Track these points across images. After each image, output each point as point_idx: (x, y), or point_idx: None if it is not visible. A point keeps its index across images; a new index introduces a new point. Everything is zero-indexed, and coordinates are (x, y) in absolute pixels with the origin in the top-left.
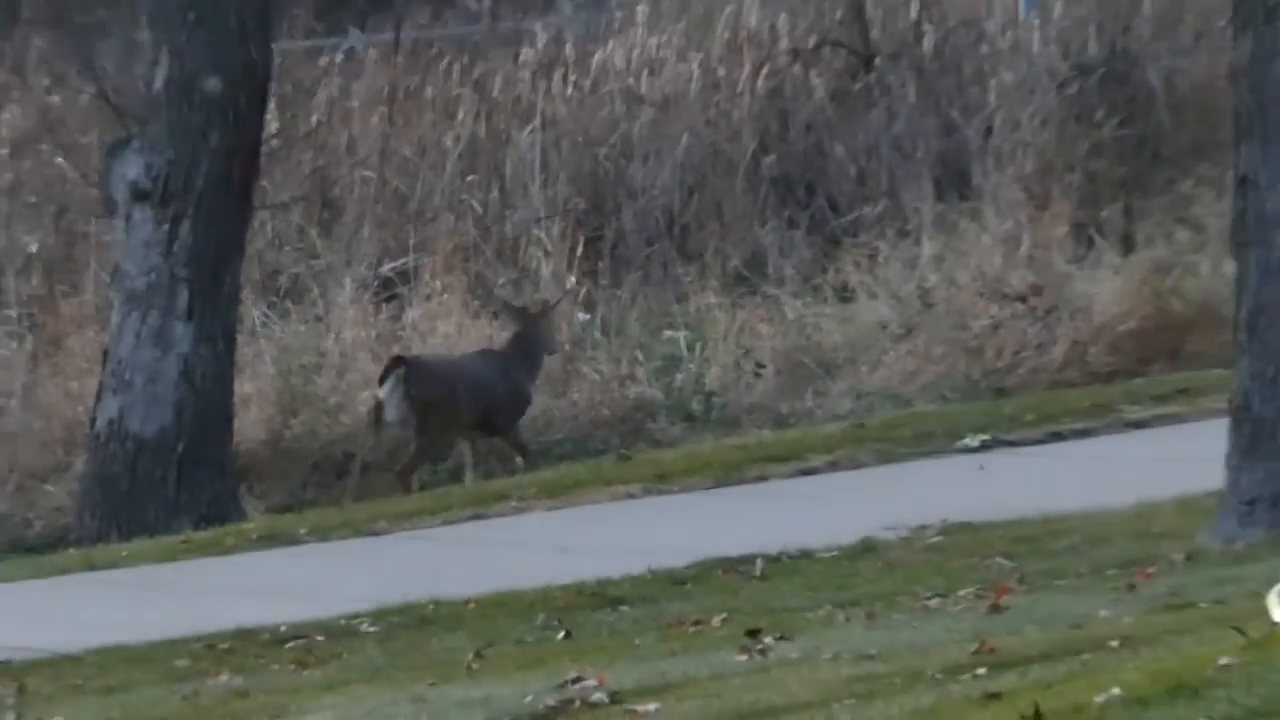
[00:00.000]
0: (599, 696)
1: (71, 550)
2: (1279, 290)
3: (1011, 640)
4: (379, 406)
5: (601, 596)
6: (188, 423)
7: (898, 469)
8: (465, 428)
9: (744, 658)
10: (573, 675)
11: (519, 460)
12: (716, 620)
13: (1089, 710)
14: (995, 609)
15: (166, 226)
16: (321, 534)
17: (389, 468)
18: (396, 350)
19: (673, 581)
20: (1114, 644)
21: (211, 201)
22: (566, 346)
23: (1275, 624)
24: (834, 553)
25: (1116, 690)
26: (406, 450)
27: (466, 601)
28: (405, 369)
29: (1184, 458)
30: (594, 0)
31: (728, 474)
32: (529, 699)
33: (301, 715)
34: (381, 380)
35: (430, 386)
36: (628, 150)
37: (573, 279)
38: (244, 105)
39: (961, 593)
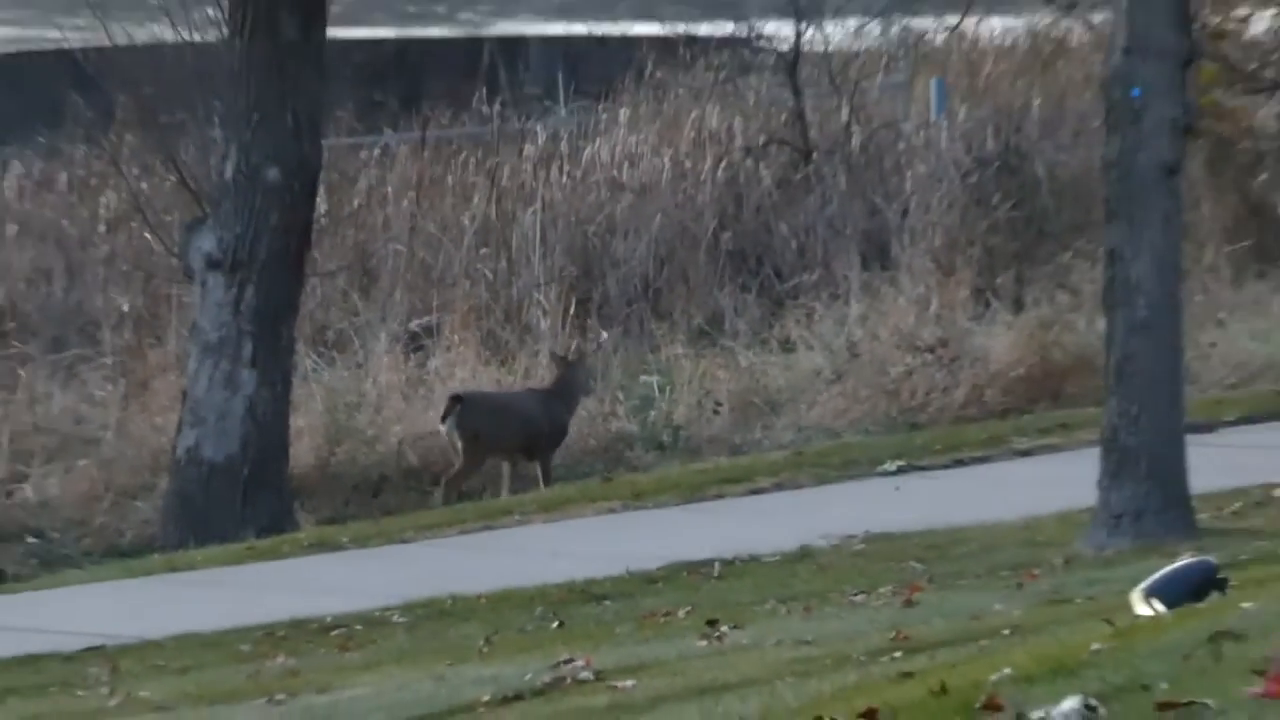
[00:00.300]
0: (586, 674)
1: (155, 555)
2: (1141, 344)
3: (922, 629)
4: (451, 439)
5: (588, 593)
6: (251, 451)
7: (830, 489)
8: (510, 452)
9: (704, 643)
10: (565, 657)
11: (541, 483)
12: (682, 613)
13: (985, 686)
14: (909, 604)
15: (234, 290)
16: (360, 542)
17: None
18: (452, 390)
19: (646, 581)
20: (1006, 632)
21: (271, 270)
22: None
23: (1137, 616)
24: (777, 558)
25: (1008, 670)
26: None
27: (478, 597)
28: (461, 405)
29: (1063, 480)
30: (584, 105)
31: (691, 493)
32: (529, 676)
33: (343, 690)
34: (444, 418)
35: (480, 419)
36: (611, 228)
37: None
38: (298, 191)
39: (881, 590)
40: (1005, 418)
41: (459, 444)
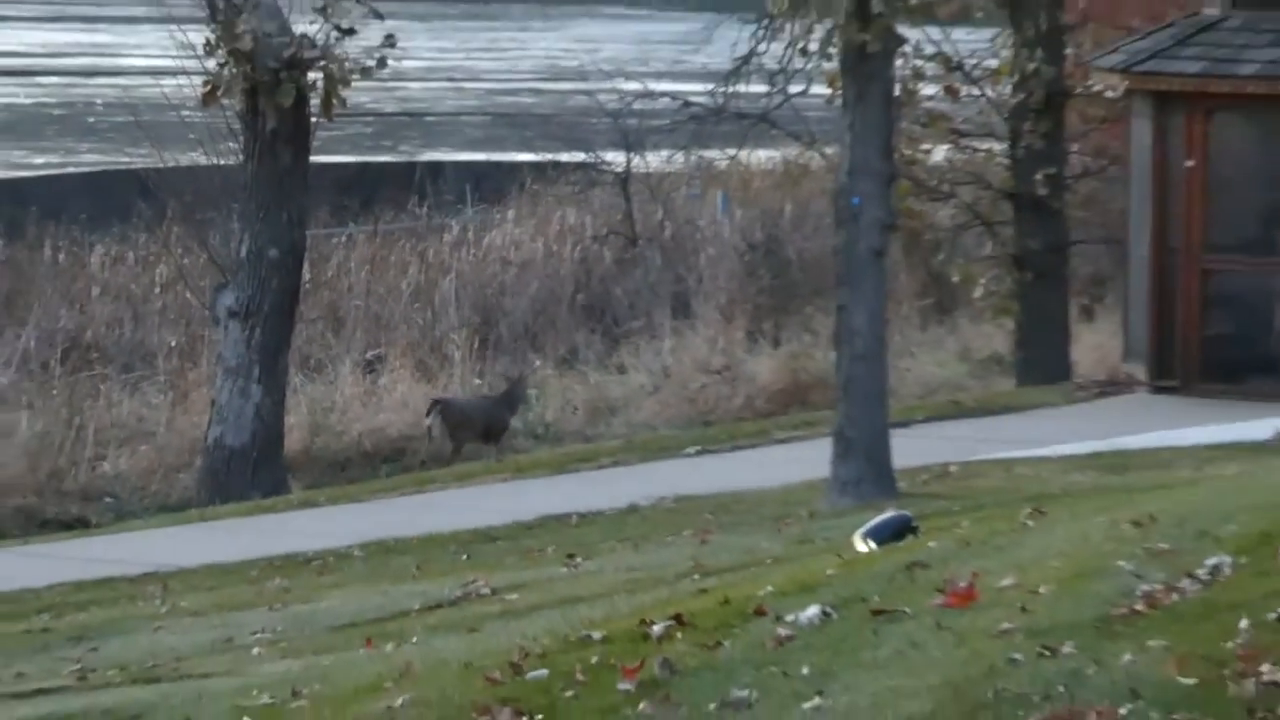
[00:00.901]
0: (484, 591)
1: (192, 510)
2: (859, 369)
3: (712, 560)
4: (429, 429)
5: (487, 536)
6: (258, 441)
7: (650, 466)
8: (475, 437)
9: (565, 570)
10: (470, 579)
11: (495, 455)
12: (550, 549)
13: (755, 599)
14: (703, 543)
15: (247, 332)
16: (332, 501)
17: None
18: (433, 395)
19: (526, 528)
20: (769, 562)
21: (272, 318)
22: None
23: (857, 552)
24: (615, 512)
25: (770, 588)
26: (445, 449)
27: (412, 539)
28: (441, 406)
29: (807, 460)
30: (484, 208)
31: (557, 468)
32: (446, 592)
33: (320, 601)
34: (427, 413)
35: (456, 416)
36: (503, 290)
37: (536, 360)
38: (290, 265)
39: (684, 533)
40: (769, 418)
41: (441, 432)
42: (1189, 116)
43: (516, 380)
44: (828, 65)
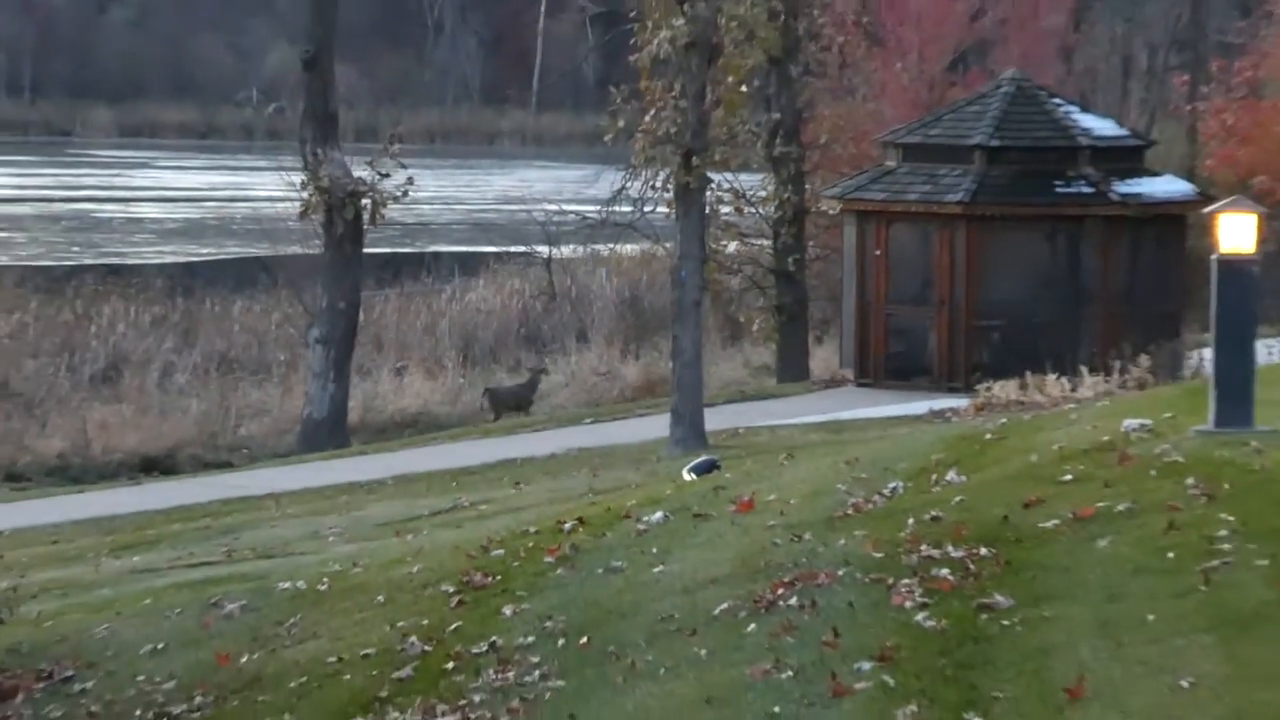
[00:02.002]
0: (465, 504)
1: (293, 456)
2: (685, 372)
3: (600, 485)
4: (482, 406)
5: (467, 472)
6: (332, 416)
7: (564, 430)
8: (512, 410)
9: (513, 491)
10: (458, 497)
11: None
12: (505, 479)
13: (624, 508)
14: (595, 475)
15: (326, 352)
16: (376, 452)
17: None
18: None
19: (490, 467)
20: (633, 486)
21: (341, 343)
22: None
23: (685, 480)
24: (543, 457)
25: (633, 501)
26: (490, 418)
27: (423, 473)
28: (489, 391)
29: (656, 427)
30: (465, 279)
31: (510, 431)
32: (443, 504)
33: (368, 510)
34: (482, 395)
35: (498, 397)
36: (477, 327)
37: (546, 360)
38: (351, 312)
39: (583, 470)
40: (633, 401)
41: (488, 407)
42: (877, 225)
43: (536, 373)
44: (667, 195)
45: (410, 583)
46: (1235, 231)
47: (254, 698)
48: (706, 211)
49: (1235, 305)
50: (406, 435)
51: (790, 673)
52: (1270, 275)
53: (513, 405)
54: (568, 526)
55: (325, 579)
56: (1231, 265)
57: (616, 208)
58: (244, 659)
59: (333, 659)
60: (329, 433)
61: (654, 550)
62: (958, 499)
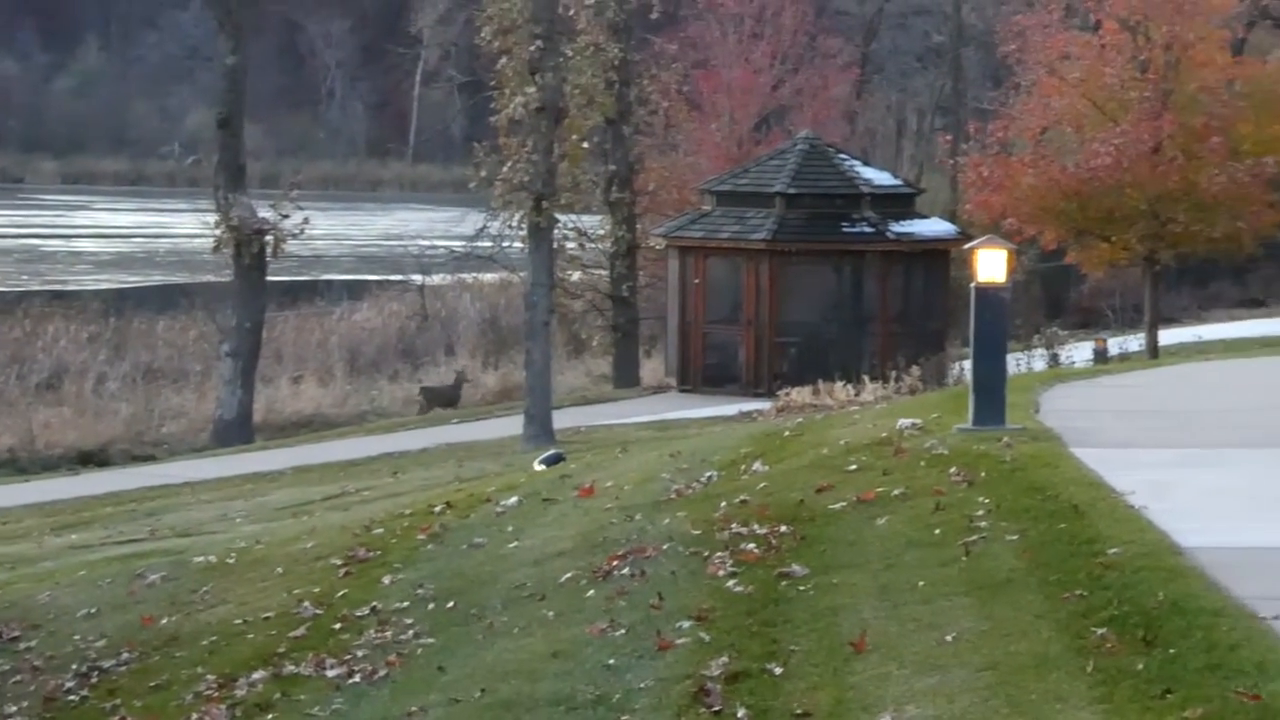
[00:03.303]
0: (351, 490)
1: (207, 451)
2: (536, 380)
3: (465, 474)
4: (419, 403)
5: (352, 464)
6: (239, 417)
7: (435, 428)
8: (442, 406)
9: (392, 480)
10: (345, 484)
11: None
12: (384, 469)
13: (487, 493)
14: (461, 466)
15: (235, 363)
16: (277, 447)
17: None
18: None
19: (372, 459)
20: (493, 475)
21: (248, 356)
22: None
23: (536, 471)
24: (417, 451)
25: (494, 488)
26: (426, 412)
27: (316, 464)
28: (424, 389)
29: (512, 425)
30: (353, 302)
31: (390, 430)
32: (332, 490)
33: (270, 495)
34: (418, 393)
35: (431, 394)
36: (361, 343)
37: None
38: (256, 330)
39: (451, 462)
40: (493, 404)
41: (424, 401)
42: (695, 258)
43: (461, 376)
44: (521, 232)
45: (305, 556)
46: (990, 264)
47: (172, 653)
48: (554, 246)
49: (990, 325)
50: (302, 433)
51: (623, 630)
52: (1019, 300)
53: (442, 401)
54: (438, 509)
55: (233, 554)
56: (987, 292)
57: (479, 243)
58: (164, 621)
59: (239, 621)
60: (237, 431)
61: (510, 529)
62: (762, 485)
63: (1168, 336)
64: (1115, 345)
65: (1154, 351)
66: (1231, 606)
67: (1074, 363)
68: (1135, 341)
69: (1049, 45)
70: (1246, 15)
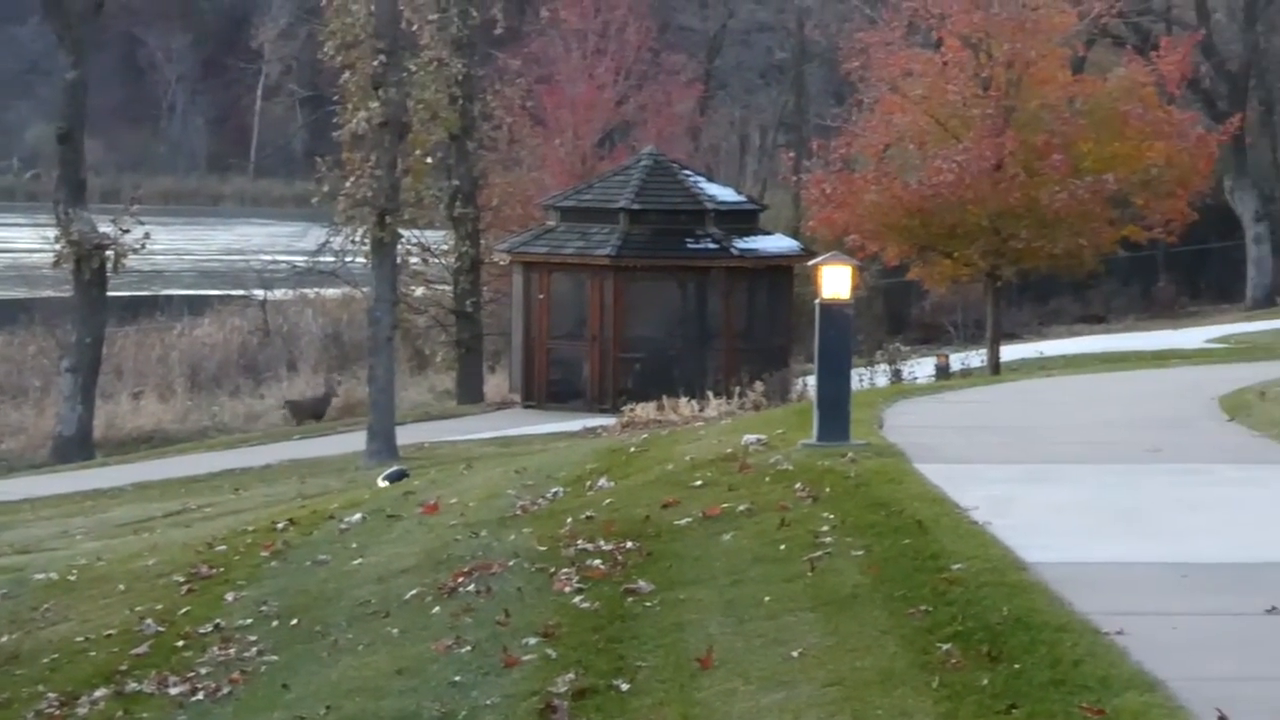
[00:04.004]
0: (193, 507)
1: (45, 467)
2: (380, 395)
3: (309, 491)
4: (286, 414)
5: (194, 479)
6: (80, 433)
7: (278, 444)
8: (309, 419)
9: (233, 496)
10: (186, 502)
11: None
12: (226, 486)
13: (330, 510)
14: (304, 482)
15: (76, 379)
16: (117, 464)
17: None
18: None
19: (214, 476)
20: (336, 492)
21: (88, 372)
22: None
23: (380, 487)
24: (258, 468)
25: (337, 505)
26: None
27: (157, 481)
28: (290, 403)
29: (356, 441)
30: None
31: (231, 446)
32: (173, 507)
33: (111, 512)
34: (283, 406)
35: (297, 407)
36: (203, 358)
37: (339, 379)
38: (97, 345)
39: (294, 478)
40: (336, 420)
41: (291, 414)
42: (540, 274)
43: (329, 389)
44: (364, 248)
45: (147, 573)
46: (834, 281)
47: (12, 671)
48: (398, 262)
49: (834, 341)
50: (143, 449)
51: (469, 647)
52: (862, 316)
53: (310, 414)
54: (281, 526)
55: (74, 570)
56: (831, 308)
57: (322, 258)
58: (4, 639)
59: (80, 638)
60: (77, 447)
61: (354, 546)
62: (608, 501)
63: (1009, 352)
64: (957, 361)
65: (996, 367)
66: (1075, 622)
67: (916, 378)
68: (977, 357)
69: (891, 62)
70: (1086, 33)
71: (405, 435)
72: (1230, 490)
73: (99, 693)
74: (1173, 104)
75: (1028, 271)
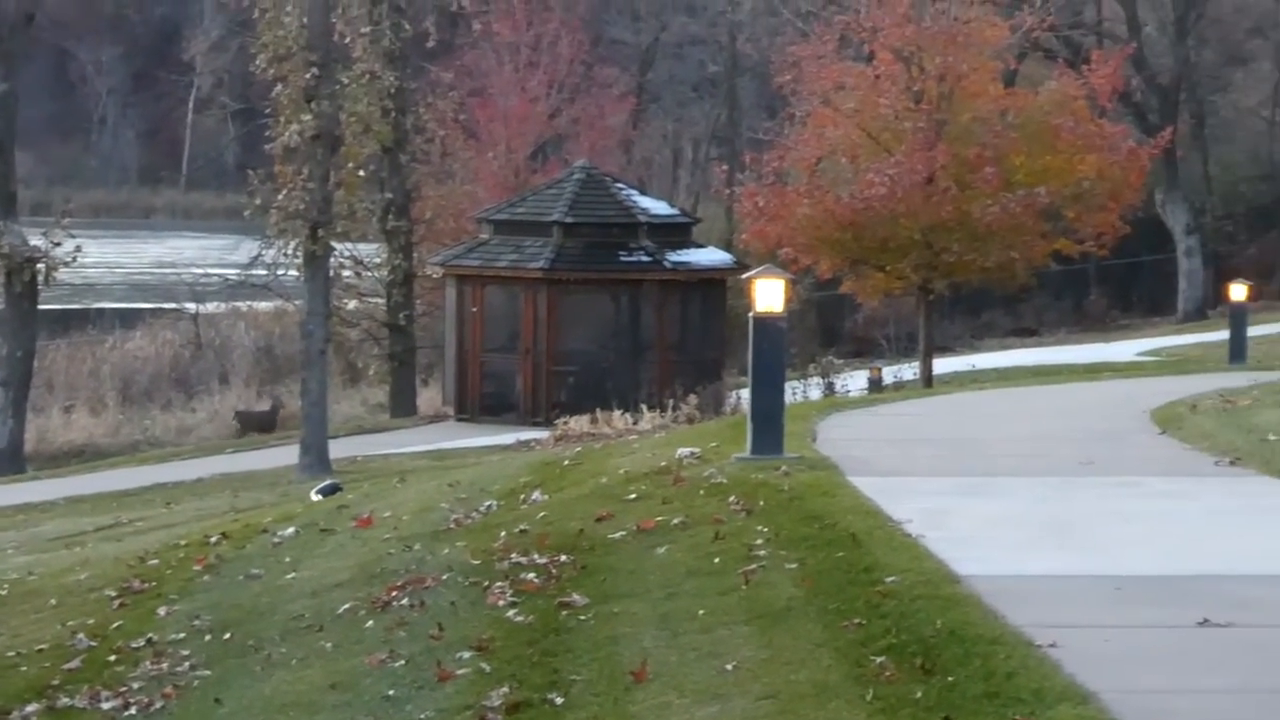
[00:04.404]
0: (125, 521)
1: None
2: (312, 409)
3: (242, 505)
4: (235, 425)
5: (126, 494)
6: (11, 447)
7: (210, 458)
8: (256, 431)
9: (165, 510)
10: (118, 516)
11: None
12: (158, 500)
13: (264, 523)
14: (236, 496)
15: (6, 393)
16: (49, 478)
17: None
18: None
19: (146, 490)
20: (269, 506)
21: (19, 385)
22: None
23: (313, 501)
24: (191, 481)
25: (270, 518)
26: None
27: (88, 495)
28: (239, 414)
29: (289, 455)
30: (125, 330)
31: (162, 460)
32: (105, 521)
33: (42, 526)
34: (233, 418)
35: (245, 419)
36: (135, 371)
37: (283, 394)
38: (28, 359)
39: (227, 492)
40: (269, 433)
41: (240, 426)
42: (473, 286)
43: (276, 401)
44: (297, 261)
45: (78, 588)
46: (768, 294)
47: None
48: (330, 275)
49: (768, 354)
50: (75, 463)
51: (403, 661)
52: (795, 329)
53: (258, 426)
54: (213, 540)
55: (5, 585)
56: (765, 321)
57: (254, 271)
58: None
59: (11, 653)
60: (8, 461)
61: (287, 560)
62: (542, 514)
63: (942, 365)
64: (890, 374)
65: (928, 380)
66: (1008, 634)
67: (849, 391)
68: (910, 370)
69: (824, 76)
70: (1018, 47)
71: (338, 449)
72: (1162, 503)
73: (30, 708)
74: (1104, 117)
75: (960, 285)
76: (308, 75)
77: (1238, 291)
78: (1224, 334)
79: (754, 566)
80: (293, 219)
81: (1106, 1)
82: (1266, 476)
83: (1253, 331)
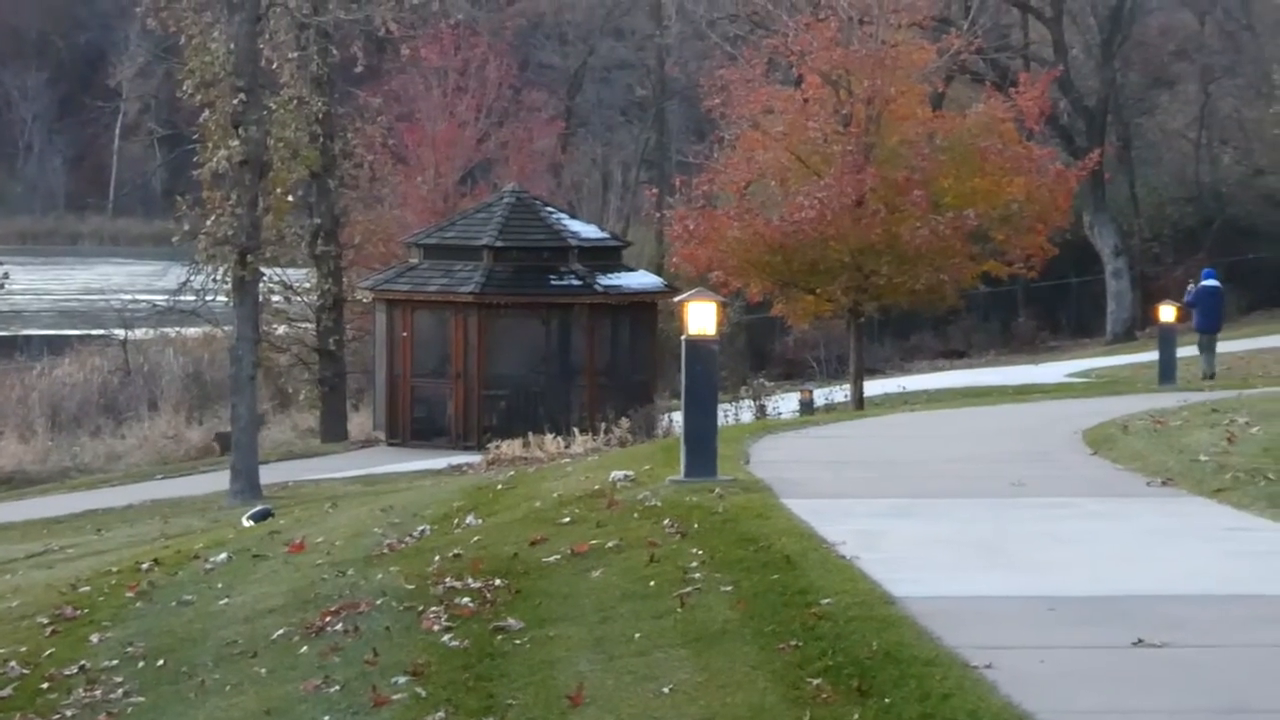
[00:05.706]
0: (56, 548)
1: None
2: (242, 435)
3: (172, 531)
4: (214, 446)
5: (57, 521)
6: None
7: (141, 484)
8: (227, 452)
9: (96, 537)
10: (49, 542)
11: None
12: (89, 527)
13: (195, 550)
14: (166, 522)
15: None
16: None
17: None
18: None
19: (77, 516)
20: (199, 532)
21: None
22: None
23: (245, 527)
24: (121, 508)
25: (201, 544)
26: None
27: (18, 522)
28: (216, 435)
29: (219, 480)
30: (54, 357)
31: (92, 487)
32: (36, 548)
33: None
34: (213, 439)
35: (222, 440)
36: (63, 398)
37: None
38: None
39: (158, 518)
40: (199, 459)
41: (220, 446)
42: (403, 311)
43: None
44: (226, 286)
45: (9, 615)
46: (699, 317)
47: None
48: (259, 300)
49: (700, 377)
50: (3, 490)
51: (338, 687)
52: (726, 352)
53: (228, 447)
54: (145, 566)
55: None
56: (697, 344)
57: (182, 297)
58: None
59: None
60: None
61: (219, 586)
62: (476, 539)
63: (872, 387)
64: (821, 396)
65: (860, 402)
66: (944, 655)
67: (781, 414)
68: (841, 392)
69: (752, 99)
70: (945, 70)
71: (269, 474)
72: (1095, 524)
73: None
74: (1032, 140)
75: (889, 307)
76: (235, 101)
77: (1167, 313)
78: (1153, 355)
79: (689, 589)
80: (221, 244)
81: (1033, 24)
82: (1198, 497)
83: (1182, 352)
